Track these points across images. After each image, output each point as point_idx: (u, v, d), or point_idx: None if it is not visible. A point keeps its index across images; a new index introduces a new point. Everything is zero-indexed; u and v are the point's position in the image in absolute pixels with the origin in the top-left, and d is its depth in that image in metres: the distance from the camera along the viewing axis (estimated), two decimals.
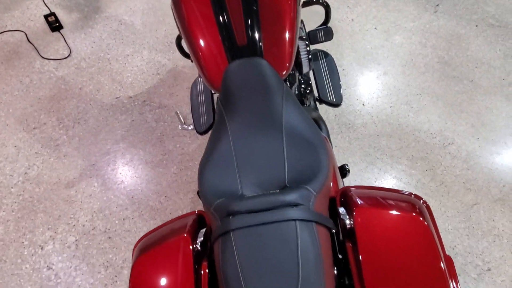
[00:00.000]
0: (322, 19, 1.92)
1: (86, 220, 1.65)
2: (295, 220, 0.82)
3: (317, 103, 1.63)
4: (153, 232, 1.02)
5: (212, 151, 1.04)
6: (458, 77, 2.12)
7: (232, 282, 0.80)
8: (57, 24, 2.21)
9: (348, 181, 1.79)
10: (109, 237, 1.61)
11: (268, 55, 1.12)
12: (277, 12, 1.14)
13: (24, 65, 2.11)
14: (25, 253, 1.58)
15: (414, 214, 0.92)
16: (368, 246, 0.87)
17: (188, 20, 1.15)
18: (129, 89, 2.02)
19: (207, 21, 1.14)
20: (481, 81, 2.11)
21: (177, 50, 2.18)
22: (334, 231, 0.96)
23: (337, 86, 1.60)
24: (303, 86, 1.59)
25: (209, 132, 1.51)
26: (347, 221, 0.92)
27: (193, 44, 1.15)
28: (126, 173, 1.77)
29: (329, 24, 1.67)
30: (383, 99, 2.04)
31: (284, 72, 1.14)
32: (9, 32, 2.22)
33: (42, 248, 1.59)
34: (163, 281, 0.91)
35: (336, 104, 1.57)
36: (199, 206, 1.69)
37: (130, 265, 1.51)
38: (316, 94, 1.63)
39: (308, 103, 1.59)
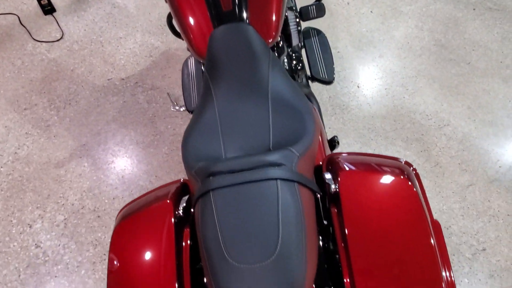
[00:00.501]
0: None
1: (76, 199, 1.63)
2: (276, 179, 0.79)
3: (309, 81, 1.61)
4: (136, 200, 1.00)
5: (197, 119, 1.02)
6: (455, 59, 2.09)
7: (210, 241, 0.77)
8: (50, 7, 2.20)
9: None
10: (98, 216, 1.59)
11: (254, 21, 1.10)
12: None
13: (16, 48, 2.09)
14: (13, 231, 1.56)
15: (401, 177, 0.90)
16: (352, 209, 0.85)
17: None
18: (121, 71, 2.01)
19: None
20: (478, 64, 2.08)
21: (170, 33, 2.16)
22: (319, 195, 0.93)
23: (329, 63, 1.58)
24: (294, 62, 1.57)
25: None
26: (332, 186, 0.90)
27: (178, 11, 1.13)
28: (116, 153, 1.75)
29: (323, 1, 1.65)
30: (378, 81, 2.01)
31: (271, 40, 1.12)
32: (2, 15, 2.21)
33: (30, 227, 1.57)
34: (144, 246, 0.89)
35: (328, 81, 1.55)
36: None
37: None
38: (308, 72, 1.61)
39: (299, 80, 1.56)
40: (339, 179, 0.89)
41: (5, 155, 1.75)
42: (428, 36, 2.18)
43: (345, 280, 0.79)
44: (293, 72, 1.53)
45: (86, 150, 1.75)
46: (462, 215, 1.63)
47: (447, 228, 1.60)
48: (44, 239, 1.54)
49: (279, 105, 0.98)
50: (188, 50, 1.34)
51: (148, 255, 0.87)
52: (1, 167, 1.72)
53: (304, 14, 1.49)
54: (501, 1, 2.31)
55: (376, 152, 1.79)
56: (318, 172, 0.98)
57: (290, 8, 1.36)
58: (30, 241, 1.54)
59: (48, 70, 2.01)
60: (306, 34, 1.65)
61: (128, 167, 1.71)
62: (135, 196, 1.63)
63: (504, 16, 2.25)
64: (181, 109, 1.61)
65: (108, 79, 1.98)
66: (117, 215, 0.97)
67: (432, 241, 0.81)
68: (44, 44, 2.11)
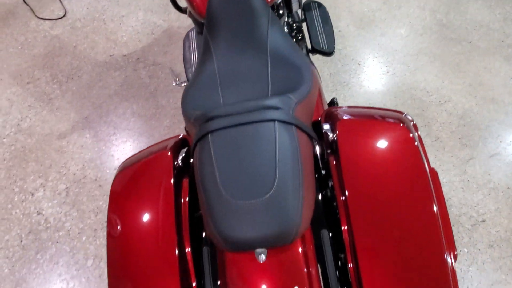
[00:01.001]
0: None
1: (77, 169, 1.64)
2: (274, 120, 0.80)
3: (310, 54, 1.61)
4: (136, 154, 1.01)
5: (197, 75, 1.03)
6: (456, 39, 2.09)
7: (207, 180, 0.78)
8: None
9: None
10: (100, 185, 1.60)
11: None
12: None
13: (19, 25, 2.11)
14: (16, 199, 1.58)
15: (399, 125, 0.90)
16: (350, 156, 0.85)
17: None
18: (123, 48, 2.02)
19: None
20: (479, 43, 2.08)
21: (172, 12, 2.18)
22: (316, 143, 0.94)
23: (329, 34, 1.58)
24: (294, 31, 1.57)
25: None
26: (330, 135, 0.91)
27: None
28: (118, 125, 1.76)
29: None
30: (379, 59, 2.02)
31: None
32: None
33: (32, 195, 1.58)
34: (143, 194, 0.90)
35: (328, 52, 1.55)
36: None
37: None
38: (309, 45, 1.61)
39: None
40: (336, 127, 0.89)
41: (8, 126, 1.76)
42: (430, 15, 2.18)
43: (342, 227, 0.80)
44: None
45: (88, 122, 1.77)
46: (462, 187, 1.63)
47: (447, 200, 1.61)
48: (46, 206, 1.56)
49: (278, 60, 0.99)
50: (189, 15, 1.35)
51: (147, 204, 0.87)
52: (4, 138, 1.73)
53: None
54: None
55: None
56: (316, 126, 0.99)
57: None
58: (32, 208, 1.55)
59: (51, 46, 2.02)
60: (307, 7, 1.65)
61: (130, 139, 1.72)
62: None
63: None
64: (183, 84, 1.61)
65: (110, 55, 1.99)
66: (118, 168, 0.98)
67: (430, 189, 0.81)
68: (47, 21, 2.12)
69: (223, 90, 0.96)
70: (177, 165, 0.93)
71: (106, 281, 1.40)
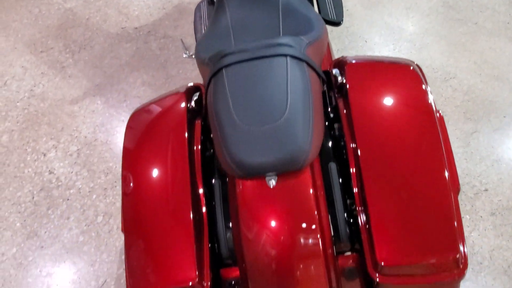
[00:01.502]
0: None
1: (88, 133, 1.68)
2: (286, 56, 0.83)
3: None
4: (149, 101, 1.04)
5: (210, 27, 1.07)
6: (462, 20, 2.12)
7: (221, 110, 0.81)
8: None
9: None
10: (110, 148, 1.64)
11: None
12: None
13: None
14: (28, 159, 1.62)
15: (407, 67, 0.93)
16: (359, 96, 0.88)
17: None
18: (135, 21, 2.06)
19: None
20: (485, 24, 2.10)
21: None
22: (325, 85, 0.97)
23: (338, 6, 1.61)
24: None
25: None
26: (339, 78, 0.94)
27: None
28: (129, 93, 1.80)
29: None
30: (386, 37, 2.05)
31: None
32: None
33: (44, 155, 1.62)
34: (157, 132, 0.93)
35: (337, 22, 1.58)
36: None
37: None
38: None
39: None
40: (346, 70, 0.92)
41: (22, 91, 1.81)
42: None
43: (351, 169, 0.82)
44: None
45: (99, 90, 1.81)
46: (465, 158, 1.66)
47: None
48: (58, 166, 1.60)
49: (289, 12, 1.02)
50: None
51: (160, 142, 0.91)
52: (18, 102, 1.78)
53: None
54: None
55: None
56: (325, 75, 1.01)
57: None
58: (44, 168, 1.59)
59: (64, 18, 2.07)
60: None
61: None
62: None
63: None
64: (193, 56, 1.65)
65: (122, 28, 2.03)
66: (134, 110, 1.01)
67: (437, 131, 0.83)
68: None
69: (235, 38, 1.00)
70: (190, 106, 0.96)
71: (115, 236, 1.43)
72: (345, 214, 0.84)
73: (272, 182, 0.79)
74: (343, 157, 0.88)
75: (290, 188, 0.80)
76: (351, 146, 0.83)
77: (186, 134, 0.89)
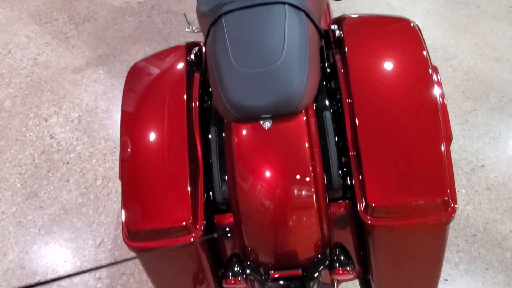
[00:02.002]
0: None
1: (90, 101, 1.70)
2: (284, 3, 0.85)
3: None
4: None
5: None
6: (465, 2, 2.13)
7: (219, 54, 0.83)
8: None
9: None
10: (111, 116, 1.66)
11: None
12: None
13: None
14: (30, 123, 1.64)
15: (404, 21, 0.94)
16: (356, 50, 0.89)
17: None
18: None
19: None
20: (487, 7, 2.11)
21: None
22: (322, 40, 0.98)
23: None
24: None
25: None
26: (337, 32, 0.95)
27: None
28: (131, 64, 1.81)
29: None
30: None
31: None
32: None
33: (46, 121, 1.64)
34: (156, 83, 0.94)
35: None
36: None
37: None
38: None
39: None
40: (343, 24, 0.93)
41: (25, 60, 1.83)
42: None
43: (346, 124, 0.83)
44: None
45: (102, 60, 1.82)
46: (463, 135, 1.67)
47: None
48: (59, 131, 1.62)
49: None
50: None
51: (159, 92, 0.92)
52: (21, 70, 1.80)
53: None
54: None
55: None
56: (325, 34, 1.02)
57: None
58: (45, 132, 1.61)
59: None
60: None
61: None
62: None
63: None
64: (196, 30, 1.67)
65: (126, 2, 2.05)
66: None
67: (432, 82, 0.84)
68: None
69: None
70: (190, 59, 0.97)
71: (113, 199, 1.45)
72: (338, 162, 0.85)
73: (267, 125, 0.80)
74: (339, 110, 0.89)
75: (284, 131, 0.81)
76: (347, 99, 0.84)
77: (185, 86, 0.90)
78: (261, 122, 0.80)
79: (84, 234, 1.38)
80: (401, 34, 0.93)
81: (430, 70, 0.86)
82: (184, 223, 0.79)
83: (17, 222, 1.41)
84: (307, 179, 0.80)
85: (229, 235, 0.90)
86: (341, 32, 0.93)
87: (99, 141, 1.59)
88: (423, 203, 0.75)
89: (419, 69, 0.85)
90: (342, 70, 0.88)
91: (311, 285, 0.82)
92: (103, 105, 1.69)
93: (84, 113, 1.66)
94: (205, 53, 0.92)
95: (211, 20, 0.89)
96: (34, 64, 1.81)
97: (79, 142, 1.58)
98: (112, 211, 1.42)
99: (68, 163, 1.54)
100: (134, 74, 0.99)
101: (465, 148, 1.63)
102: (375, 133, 0.79)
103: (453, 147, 1.64)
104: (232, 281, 0.82)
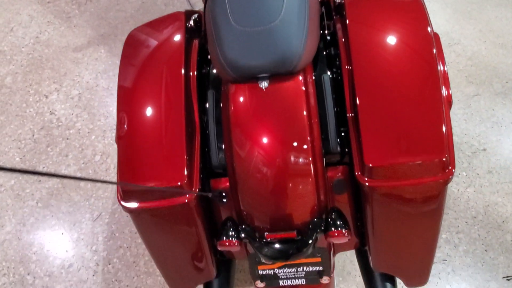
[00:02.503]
0: None
1: (91, 78, 1.70)
2: None
3: None
4: None
5: None
6: None
7: (218, 13, 0.82)
8: None
9: None
10: (112, 94, 1.65)
11: None
12: None
13: None
14: (30, 99, 1.64)
15: None
16: (356, 17, 0.88)
17: None
18: None
19: None
20: None
21: None
22: (323, 7, 0.97)
23: None
24: None
25: None
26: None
27: None
28: None
29: None
30: None
31: None
32: None
33: (46, 97, 1.64)
34: (154, 50, 0.94)
35: None
36: None
37: None
38: None
39: None
40: None
41: (27, 38, 1.83)
42: None
43: (345, 87, 0.82)
44: None
45: (103, 39, 1.82)
46: (465, 119, 1.66)
47: None
48: (59, 108, 1.61)
49: None
50: None
51: (158, 61, 0.91)
52: (23, 47, 1.80)
53: None
54: None
55: None
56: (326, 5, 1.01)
57: None
58: (45, 108, 1.61)
59: None
60: None
61: None
62: None
63: None
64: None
65: None
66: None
67: (432, 49, 0.83)
68: None
69: None
70: (189, 25, 0.97)
71: (112, 174, 1.45)
72: (336, 125, 0.84)
73: (264, 84, 0.80)
74: (338, 77, 0.88)
75: (282, 92, 0.80)
76: (346, 65, 0.83)
77: (183, 54, 0.89)
78: (258, 82, 0.80)
79: (81, 208, 1.38)
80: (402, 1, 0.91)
81: (431, 35, 0.85)
82: (179, 183, 0.79)
83: (15, 194, 1.41)
84: (304, 141, 0.79)
85: (224, 200, 0.89)
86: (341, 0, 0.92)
87: (98, 118, 1.58)
88: (421, 164, 0.73)
89: (420, 34, 0.84)
90: (343, 38, 0.87)
91: (307, 249, 0.81)
92: (104, 83, 1.68)
93: (84, 90, 1.66)
94: (204, 15, 0.91)
95: None
96: (36, 42, 1.81)
97: (78, 119, 1.58)
98: (110, 186, 1.42)
99: (67, 138, 1.53)
100: (132, 41, 0.99)
101: (467, 132, 1.62)
102: (373, 94, 0.78)
103: (455, 130, 1.62)
104: (226, 243, 0.82)
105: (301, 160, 0.79)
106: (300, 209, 0.82)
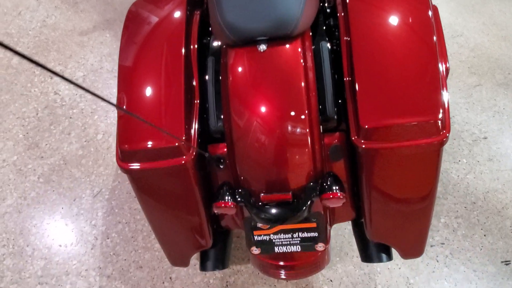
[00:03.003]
0: None
1: (95, 61, 1.72)
2: None
3: None
4: None
5: None
6: None
7: None
8: None
9: None
10: (115, 76, 1.67)
11: None
12: None
13: None
14: (35, 80, 1.66)
15: None
16: None
17: None
18: None
19: None
20: None
21: None
22: None
23: None
24: None
25: None
26: None
27: None
28: None
29: None
30: None
31: None
32: None
33: (51, 78, 1.66)
34: (156, 23, 0.95)
35: None
36: None
37: None
38: None
39: None
40: None
41: (34, 21, 1.86)
42: None
43: (342, 53, 0.83)
44: None
45: (109, 24, 1.85)
46: (466, 108, 1.65)
47: (451, 118, 1.63)
48: (63, 88, 1.64)
49: None
50: None
51: (159, 31, 0.93)
52: (30, 31, 1.83)
53: None
54: None
55: None
56: None
57: None
58: (50, 88, 1.63)
59: None
60: None
61: None
62: None
63: None
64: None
65: None
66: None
67: (431, 21, 0.84)
68: None
69: None
70: None
71: (113, 153, 1.46)
72: (333, 90, 0.85)
73: (263, 47, 0.81)
74: (336, 48, 0.89)
75: (280, 54, 0.82)
76: (345, 36, 0.84)
77: (184, 26, 0.90)
78: (257, 45, 0.81)
79: (82, 184, 1.39)
80: None
81: (428, 1, 0.86)
82: (176, 144, 0.80)
83: (17, 170, 1.42)
84: (301, 104, 0.80)
85: (221, 166, 0.90)
86: None
87: None
88: (415, 125, 0.74)
89: (418, 5, 0.85)
90: (342, 11, 0.88)
91: (302, 211, 0.81)
92: (108, 66, 1.70)
93: (89, 72, 1.68)
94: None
95: None
96: (43, 25, 1.84)
97: (82, 99, 1.60)
98: (112, 163, 1.43)
99: (70, 117, 1.55)
100: (134, 14, 1.00)
101: (468, 121, 1.62)
102: (370, 59, 0.79)
103: (456, 119, 1.63)
104: (222, 204, 0.82)
105: (297, 123, 0.80)
106: (296, 173, 0.82)
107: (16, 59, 1.72)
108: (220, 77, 0.88)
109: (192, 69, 0.90)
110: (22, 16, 1.88)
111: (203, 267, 1.00)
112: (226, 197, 0.84)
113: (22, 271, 1.21)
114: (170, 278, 1.20)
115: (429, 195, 0.83)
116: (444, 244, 1.32)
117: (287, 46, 0.81)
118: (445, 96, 0.78)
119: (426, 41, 0.80)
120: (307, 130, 0.81)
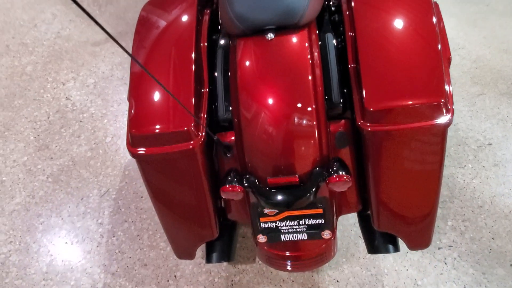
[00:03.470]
0: None
1: (106, 69, 1.77)
2: None
3: None
4: None
5: None
6: (474, 1, 2.19)
7: None
8: None
9: None
10: (125, 83, 1.72)
11: None
12: None
13: None
14: (48, 86, 1.71)
15: None
16: None
17: None
18: None
19: None
20: (497, 6, 2.16)
21: None
22: None
23: None
24: None
25: None
26: None
27: None
28: None
29: None
30: None
31: None
32: None
33: (63, 84, 1.71)
34: (168, 14, 1.00)
35: None
36: None
37: None
38: None
39: None
40: None
41: (49, 33, 1.93)
42: None
43: (347, 40, 0.87)
44: None
45: (121, 36, 1.92)
46: (470, 116, 1.67)
47: (454, 125, 1.64)
48: (74, 94, 1.68)
49: None
50: None
51: (171, 29, 0.97)
52: (45, 41, 1.90)
53: None
54: None
55: None
56: None
57: None
58: (61, 94, 1.68)
59: None
60: None
61: None
62: None
63: None
64: None
65: None
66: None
67: (432, 10, 0.87)
68: None
69: None
70: None
71: (121, 155, 1.48)
72: (338, 77, 0.88)
73: (270, 35, 0.84)
74: (341, 42, 0.92)
75: (287, 43, 0.85)
76: (349, 30, 0.87)
77: (195, 25, 0.94)
78: (265, 34, 0.84)
79: (90, 184, 1.40)
80: None
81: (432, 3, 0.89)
82: (185, 128, 0.82)
83: (27, 169, 1.45)
84: (308, 91, 0.82)
85: (228, 155, 0.92)
86: None
87: (111, 104, 1.64)
88: (420, 107, 0.76)
89: (421, 5, 0.88)
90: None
91: (309, 195, 0.82)
92: (119, 73, 1.76)
93: (100, 79, 1.73)
94: None
95: None
96: (57, 37, 1.91)
97: (92, 104, 1.64)
98: (119, 165, 1.45)
99: (80, 121, 1.59)
100: (147, 12, 1.05)
101: (472, 127, 1.63)
102: (374, 45, 0.82)
103: (460, 126, 1.64)
104: (230, 188, 0.83)
105: (304, 109, 0.82)
106: (303, 158, 0.84)
107: (30, 67, 1.78)
108: (229, 67, 0.91)
109: (201, 61, 0.93)
110: (37, 28, 1.96)
111: (208, 259, 1.00)
112: (234, 182, 0.85)
113: (27, 267, 1.21)
114: (175, 276, 1.19)
115: (434, 179, 0.84)
116: (451, 246, 1.30)
117: (294, 35, 0.85)
118: (448, 82, 0.80)
119: (428, 28, 0.83)
120: (314, 115, 0.83)
